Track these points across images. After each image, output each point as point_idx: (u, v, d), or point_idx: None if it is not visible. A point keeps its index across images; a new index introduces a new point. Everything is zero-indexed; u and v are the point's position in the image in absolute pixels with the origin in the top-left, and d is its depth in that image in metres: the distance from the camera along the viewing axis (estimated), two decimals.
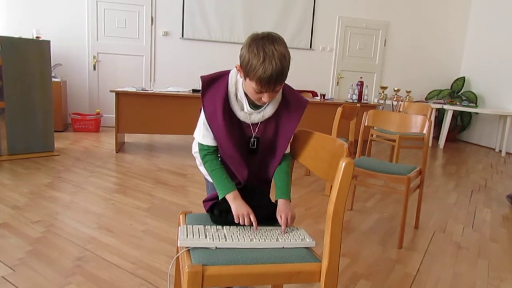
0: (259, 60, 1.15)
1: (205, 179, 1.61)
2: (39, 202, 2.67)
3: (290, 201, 1.36)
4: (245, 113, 1.32)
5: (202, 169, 1.55)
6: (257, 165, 1.40)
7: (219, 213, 1.30)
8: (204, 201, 1.40)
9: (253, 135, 1.35)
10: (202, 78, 1.33)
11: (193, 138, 1.49)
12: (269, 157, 1.40)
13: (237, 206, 1.27)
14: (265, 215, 1.30)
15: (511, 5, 6.36)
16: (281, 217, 1.27)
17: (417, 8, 7.02)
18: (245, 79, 1.23)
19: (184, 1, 5.96)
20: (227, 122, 1.30)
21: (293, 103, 1.37)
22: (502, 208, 3.27)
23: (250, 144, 1.35)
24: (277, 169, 1.39)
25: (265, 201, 1.35)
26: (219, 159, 1.38)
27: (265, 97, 1.23)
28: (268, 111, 1.33)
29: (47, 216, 2.44)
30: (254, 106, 1.32)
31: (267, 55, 1.15)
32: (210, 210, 1.34)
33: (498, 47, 6.58)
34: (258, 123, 1.34)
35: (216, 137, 1.33)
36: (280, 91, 1.35)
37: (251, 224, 1.25)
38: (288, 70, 1.21)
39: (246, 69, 1.19)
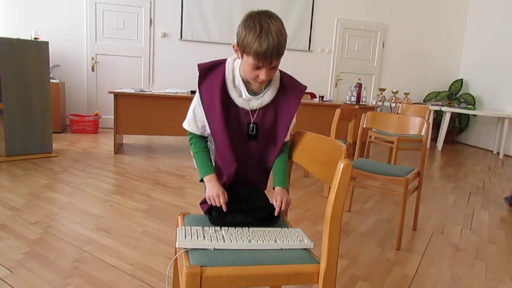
0: (255, 33, 1.16)
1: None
2: (37, 203, 2.67)
3: (287, 189, 1.38)
4: (243, 99, 1.33)
5: None
6: (258, 153, 1.40)
7: (217, 214, 1.30)
8: (201, 203, 1.40)
9: (252, 121, 1.35)
10: (200, 66, 1.34)
11: None
12: (270, 144, 1.40)
13: (209, 188, 1.32)
14: (264, 217, 1.30)
15: (509, 8, 6.39)
16: (276, 200, 1.31)
17: (416, 10, 7.04)
18: (242, 56, 1.24)
19: (182, 2, 5.97)
20: (225, 110, 1.31)
21: (291, 89, 1.38)
22: (500, 210, 3.28)
23: (250, 130, 1.36)
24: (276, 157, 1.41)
25: (263, 202, 1.35)
26: (205, 142, 1.41)
27: (262, 74, 1.23)
28: (266, 97, 1.34)
29: (45, 217, 2.43)
30: (253, 93, 1.33)
31: (264, 28, 1.16)
32: (208, 212, 1.35)
33: (496, 50, 6.61)
34: (257, 109, 1.35)
35: (211, 126, 1.33)
36: (278, 77, 1.36)
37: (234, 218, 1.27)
38: (285, 46, 1.22)
39: (243, 45, 1.20)
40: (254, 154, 1.39)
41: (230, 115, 1.33)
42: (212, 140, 1.39)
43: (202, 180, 1.38)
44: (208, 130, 1.37)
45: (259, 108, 1.35)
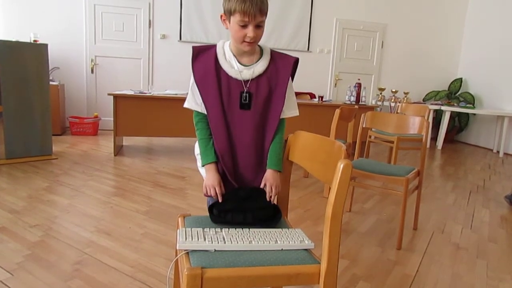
0: None
1: None
2: (37, 206, 2.66)
3: (280, 171, 1.42)
4: (236, 70, 1.38)
5: (202, 171, 1.55)
6: (254, 127, 1.40)
7: (218, 212, 1.31)
8: (205, 194, 1.41)
9: (245, 90, 1.39)
10: (193, 47, 1.44)
11: (194, 141, 1.50)
12: (266, 118, 1.42)
13: (208, 177, 1.37)
14: (264, 217, 1.30)
15: (507, 7, 6.39)
16: (265, 185, 1.38)
17: (414, 10, 7.05)
18: (229, 21, 1.32)
19: (181, 4, 5.98)
20: (218, 82, 1.37)
21: (282, 60, 1.44)
22: (500, 209, 3.28)
23: (242, 99, 1.38)
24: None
25: (264, 203, 1.35)
26: (210, 129, 1.43)
27: (249, 32, 1.29)
28: (258, 68, 1.39)
29: (45, 220, 2.43)
30: (244, 65, 1.39)
31: None
32: (209, 210, 1.35)
33: (495, 48, 6.61)
34: (249, 80, 1.39)
35: (204, 99, 1.39)
36: (269, 51, 1.42)
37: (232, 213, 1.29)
38: (267, 7, 1.31)
39: (229, 8, 1.29)
40: (250, 127, 1.40)
41: (223, 86, 1.37)
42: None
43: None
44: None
45: (252, 79, 1.39)
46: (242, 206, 1.30)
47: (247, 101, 1.38)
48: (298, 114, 1.49)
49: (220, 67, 1.38)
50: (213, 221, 1.31)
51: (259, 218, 1.29)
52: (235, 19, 1.29)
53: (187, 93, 1.46)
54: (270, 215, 1.32)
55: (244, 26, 1.29)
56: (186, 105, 1.46)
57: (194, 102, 1.44)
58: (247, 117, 1.39)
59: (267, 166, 1.42)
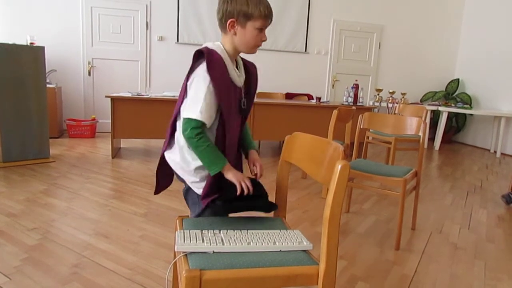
0: (253, 1, 1.30)
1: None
2: (34, 209, 2.66)
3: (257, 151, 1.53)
4: (238, 75, 1.40)
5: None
6: (240, 127, 1.50)
7: (222, 203, 1.33)
8: (203, 198, 1.38)
9: (243, 96, 1.45)
10: (205, 49, 1.33)
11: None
12: (245, 117, 1.52)
13: (234, 175, 1.33)
14: (262, 205, 1.36)
15: (504, 8, 6.42)
16: (255, 166, 1.47)
17: (411, 11, 7.07)
18: (244, 27, 1.32)
19: (179, 6, 5.98)
20: (231, 90, 1.37)
21: (251, 65, 1.51)
22: (498, 209, 3.29)
23: (242, 105, 1.44)
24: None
25: (260, 191, 1.38)
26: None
27: (264, 35, 1.35)
28: (243, 74, 1.45)
29: (43, 223, 2.42)
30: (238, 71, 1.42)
31: None
32: (212, 202, 1.35)
33: (492, 49, 6.64)
34: (242, 85, 1.44)
35: (224, 109, 1.33)
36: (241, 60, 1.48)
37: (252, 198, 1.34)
38: None
39: (246, 16, 1.30)
40: (238, 129, 1.48)
41: (232, 93, 1.38)
42: (213, 129, 1.37)
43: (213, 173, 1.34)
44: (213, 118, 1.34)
45: (243, 85, 1.44)
46: (240, 195, 1.32)
47: (245, 107, 1.44)
48: None
49: (229, 74, 1.35)
50: (217, 212, 1.35)
51: (257, 205, 1.35)
52: (255, 24, 1.31)
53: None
54: (267, 205, 1.37)
55: (261, 30, 1.33)
56: (199, 117, 1.27)
57: (209, 116, 1.30)
58: (238, 121, 1.45)
59: (249, 147, 1.52)
